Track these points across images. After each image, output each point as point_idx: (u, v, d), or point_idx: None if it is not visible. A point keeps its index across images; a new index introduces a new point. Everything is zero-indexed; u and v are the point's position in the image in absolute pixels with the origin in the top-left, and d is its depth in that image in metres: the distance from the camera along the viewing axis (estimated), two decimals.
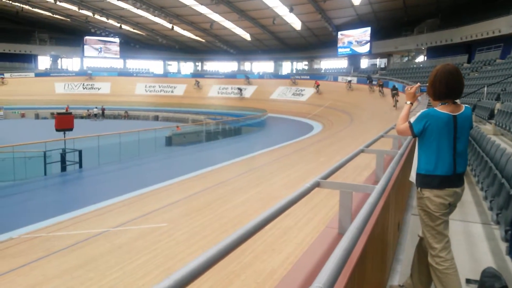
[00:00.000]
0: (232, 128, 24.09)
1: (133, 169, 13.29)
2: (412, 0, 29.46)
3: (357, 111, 26.52)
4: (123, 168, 13.28)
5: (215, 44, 45.34)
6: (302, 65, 46.39)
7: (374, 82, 30.59)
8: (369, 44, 35.73)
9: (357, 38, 36.45)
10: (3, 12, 42.61)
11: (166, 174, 11.51)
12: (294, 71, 45.52)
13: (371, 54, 37.42)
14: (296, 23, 36.76)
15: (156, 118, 38.08)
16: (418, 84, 2.99)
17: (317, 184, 2.39)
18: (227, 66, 50.11)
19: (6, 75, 43.60)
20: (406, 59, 37.34)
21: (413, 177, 2.61)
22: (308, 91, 37.66)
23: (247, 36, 42.48)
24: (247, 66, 49.85)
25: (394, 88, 23.24)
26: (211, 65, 51.77)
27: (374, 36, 35.52)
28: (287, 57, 46.16)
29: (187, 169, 11.89)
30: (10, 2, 37.12)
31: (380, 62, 39.62)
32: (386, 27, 35.23)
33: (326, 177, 2.50)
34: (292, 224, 6.11)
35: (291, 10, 31.14)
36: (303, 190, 2.21)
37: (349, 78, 35.59)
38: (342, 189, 2.33)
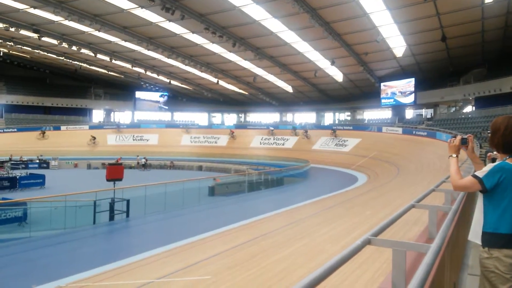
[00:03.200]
0: (275, 178, 24.04)
1: (177, 219, 13.44)
2: (456, 51, 29.20)
3: (404, 162, 25.78)
4: (167, 217, 13.47)
5: (258, 96, 46.62)
6: (344, 115, 46.36)
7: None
8: (413, 94, 35.35)
9: (401, 89, 36.22)
10: (64, 70, 46.64)
11: (209, 224, 11.52)
12: (337, 122, 45.50)
13: (416, 105, 36.86)
14: (337, 75, 37.27)
15: (200, 168, 38.85)
16: (460, 136, 2.91)
17: (368, 242, 2.31)
18: (269, 117, 51.03)
19: (63, 127, 46.82)
20: (453, 109, 36.39)
21: (475, 235, 2.46)
22: (352, 142, 37.30)
23: (289, 88, 43.46)
24: (289, 117, 50.53)
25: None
26: (254, 116, 52.95)
27: (419, 87, 35.17)
28: (329, 108, 46.45)
29: (230, 220, 11.87)
30: (71, 61, 40.58)
31: (426, 112, 38.83)
32: (430, 77, 34.90)
33: (377, 233, 2.43)
34: (338, 282, 5.83)
35: (332, 63, 31.73)
36: (353, 248, 2.15)
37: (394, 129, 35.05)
38: (395, 248, 2.24)
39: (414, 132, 33.43)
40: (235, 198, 18.85)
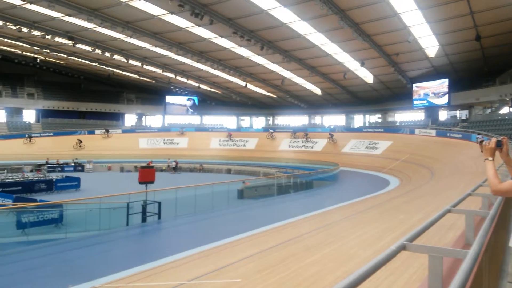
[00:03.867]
0: (304, 181, 23.89)
1: (207, 221, 13.57)
2: (491, 50, 28.17)
3: (438, 165, 25.04)
4: (197, 220, 13.62)
5: (286, 99, 46.51)
6: (375, 118, 45.55)
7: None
8: (447, 95, 34.33)
9: (434, 90, 35.24)
10: (98, 76, 48.16)
11: (239, 227, 11.57)
12: (367, 124, 44.78)
13: (450, 106, 35.77)
14: (367, 77, 36.71)
15: (229, 171, 39.11)
16: (495, 138, 2.81)
17: (402, 247, 2.27)
18: (297, 119, 50.83)
19: (97, 131, 48.38)
20: (489, 110, 35.09)
21: None
22: (383, 144, 36.60)
23: (317, 91, 43.13)
24: (317, 119, 50.13)
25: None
26: (282, 119, 52.86)
27: (453, 87, 34.12)
28: (359, 110, 45.77)
29: (259, 223, 11.87)
30: (104, 67, 41.88)
31: (461, 114, 37.60)
32: (465, 78, 33.80)
33: (412, 239, 2.37)
34: (373, 287, 5.72)
35: (362, 65, 31.26)
36: (388, 253, 2.10)
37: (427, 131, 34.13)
38: (431, 253, 2.19)
39: (448, 134, 32.43)
40: (264, 201, 18.85)
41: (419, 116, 40.73)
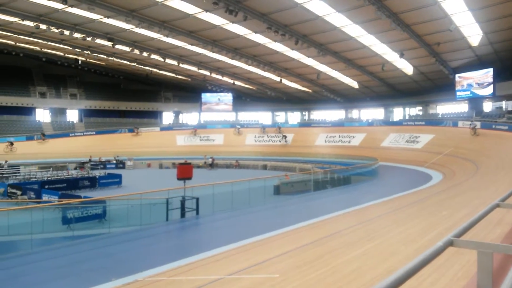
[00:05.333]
0: (341, 177, 23.52)
1: (244, 217, 13.64)
2: None
3: (483, 159, 23.93)
4: (235, 215, 13.72)
5: (322, 94, 45.92)
6: (415, 110, 44.08)
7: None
8: (492, 86, 32.67)
9: (478, 80, 33.63)
10: (136, 75, 49.53)
11: (276, 223, 11.54)
12: (407, 117, 43.44)
13: (495, 97, 34.02)
14: (407, 68, 35.56)
15: (264, 167, 39.16)
16: None
17: (450, 243, 2.16)
18: (334, 114, 50.09)
19: (136, 129, 49.77)
20: None
21: None
22: (424, 138, 35.43)
23: (354, 84, 42.27)
24: (355, 113, 49.15)
25: None
26: (318, 114, 52.26)
27: (498, 77, 32.43)
28: (398, 102, 44.43)
29: (296, 219, 11.79)
30: (142, 66, 43.01)
31: (507, 104, 35.69)
32: (511, 67, 32.02)
33: (459, 234, 2.25)
34: (415, 285, 5.53)
35: (401, 56, 30.30)
36: (434, 249, 2.00)
37: (473, 123, 32.64)
38: (480, 249, 2.06)
39: (493, 126, 30.90)
40: (300, 197, 18.72)
41: (462, 108, 39.03)
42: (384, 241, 9.02)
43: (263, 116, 54.43)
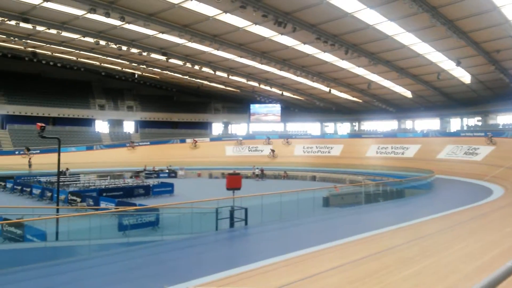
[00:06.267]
0: (394, 190, 22.64)
1: (293, 228, 13.48)
2: None
3: None
4: (283, 227, 13.60)
5: (373, 104, 44.79)
6: (474, 121, 41.71)
7: None
8: None
9: None
10: (188, 87, 51.16)
11: (326, 236, 11.30)
12: (465, 128, 41.23)
13: None
14: (464, 77, 33.86)
15: (313, 178, 38.69)
16: None
17: None
18: (386, 124, 48.61)
19: (188, 140, 51.18)
20: None
21: None
22: (484, 150, 33.39)
23: (407, 94, 40.87)
24: (408, 124, 47.39)
25: None
26: (369, 124, 50.96)
27: None
28: (455, 113, 42.26)
29: (347, 232, 11.47)
30: (194, 79, 44.36)
31: None
32: None
33: None
34: None
35: (458, 64, 28.89)
36: (506, 269, 1.83)
37: None
38: None
39: None
40: (351, 209, 18.22)
41: None
42: (442, 258, 8.54)
43: (312, 127, 53.96)
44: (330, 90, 41.71)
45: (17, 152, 41.31)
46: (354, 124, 52.27)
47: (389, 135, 45.14)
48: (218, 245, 11.27)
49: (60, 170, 32.44)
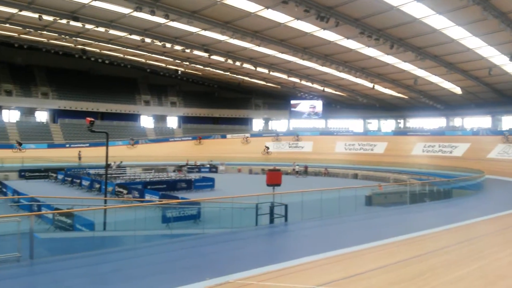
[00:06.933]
0: (441, 190, 21.73)
1: (334, 226, 13.27)
2: None
3: None
4: (323, 225, 13.42)
5: (419, 100, 43.22)
6: None
7: None
8: None
9: None
10: (229, 84, 51.73)
11: (367, 235, 11.04)
12: None
13: None
14: None
15: (355, 176, 37.97)
16: None
17: None
18: (433, 122, 46.78)
19: (228, 136, 51.85)
20: None
21: None
22: None
23: (456, 90, 39.09)
24: (457, 121, 45.34)
25: None
26: (415, 122, 49.25)
27: None
28: (509, 110, 39.96)
29: (390, 232, 11.16)
30: (235, 75, 44.74)
31: None
32: None
33: None
34: None
35: (511, 59, 27.26)
36: None
37: None
38: None
39: None
40: (395, 209, 17.70)
41: None
42: (492, 262, 8.14)
43: (354, 124, 52.89)
44: (373, 86, 40.67)
45: (67, 145, 43.51)
46: (399, 121, 50.69)
47: (436, 133, 43.43)
48: (258, 240, 11.30)
49: (115, 162, 34.15)
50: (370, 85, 40.55)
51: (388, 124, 51.40)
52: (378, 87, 41.49)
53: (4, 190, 22.79)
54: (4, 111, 43.89)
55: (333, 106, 54.09)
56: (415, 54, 28.99)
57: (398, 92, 43.34)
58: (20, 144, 36.55)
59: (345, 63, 34.87)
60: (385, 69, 35.45)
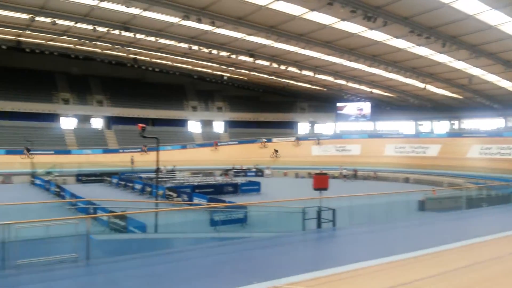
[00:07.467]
0: (500, 194, 20.47)
1: (384, 233, 12.89)
2: None
3: None
4: (373, 230, 13.07)
5: (474, 100, 41.04)
6: None
7: None
8: None
9: None
10: (274, 88, 51.89)
11: (421, 242, 10.63)
12: None
13: None
14: None
15: (406, 180, 36.67)
16: None
17: None
18: (490, 123, 44.18)
19: (274, 139, 51.88)
20: None
21: None
22: None
23: None
24: None
25: None
26: (470, 123, 46.75)
27: None
28: None
29: (445, 239, 10.66)
30: (279, 79, 44.81)
31: None
32: None
33: None
34: None
35: None
36: None
37: None
38: None
39: None
40: (450, 215, 16.88)
41: None
42: None
43: (405, 126, 51.05)
44: (425, 86, 39.10)
45: (121, 150, 45.50)
46: (452, 122, 48.33)
47: (494, 134, 41.00)
48: (305, 245, 11.22)
49: (164, 167, 35.27)
50: (421, 85, 39.02)
51: (442, 126, 49.13)
52: (430, 87, 39.85)
53: (63, 193, 24.16)
54: (62, 119, 46.71)
55: (381, 108, 52.60)
56: (469, 52, 27.57)
57: (452, 92, 41.37)
58: (28, 150, 38.19)
59: (394, 63, 33.83)
60: (437, 68, 33.99)
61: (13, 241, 8.06)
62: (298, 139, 51.61)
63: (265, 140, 51.09)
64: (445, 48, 26.85)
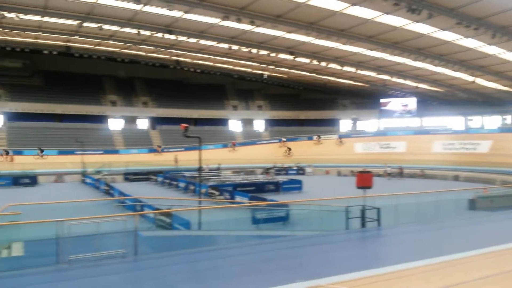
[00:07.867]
0: None
1: (432, 232, 12.43)
2: None
3: None
4: (420, 230, 12.64)
5: None
6: None
7: None
8: None
9: None
10: (314, 85, 51.41)
11: (472, 242, 10.17)
12: None
13: None
14: None
15: (455, 178, 35.13)
16: None
17: None
18: None
19: (315, 137, 51.38)
20: None
21: None
22: None
23: None
24: None
25: None
26: None
27: None
28: None
29: (497, 239, 10.12)
30: (320, 76, 44.28)
31: None
32: None
33: None
34: None
35: None
36: None
37: None
38: None
39: None
40: (503, 214, 16.02)
41: None
42: None
43: (453, 121, 48.83)
44: (474, 80, 37.24)
45: (165, 150, 46.81)
46: (504, 117, 45.68)
47: None
48: (349, 244, 11.04)
49: (207, 166, 35.94)
50: (470, 78, 37.23)
51: (493, 121, 46.56)
52: (479, 81, 37.93)
53: (112, 191, 25.18)
54: (110, 120, 48.74)
55: (428, 103, 50.67)
56: None
57: (503, 85, 39.15)
58: (42, 150, 39.38)
59: (441, 57, 32.47)
60: (487, 60, 32.28)
61: (65, 237, 8.49)
62: (340, 137, 50.75)
63: (285, 140, 50.80)
64: (495, 39, 25.49)
